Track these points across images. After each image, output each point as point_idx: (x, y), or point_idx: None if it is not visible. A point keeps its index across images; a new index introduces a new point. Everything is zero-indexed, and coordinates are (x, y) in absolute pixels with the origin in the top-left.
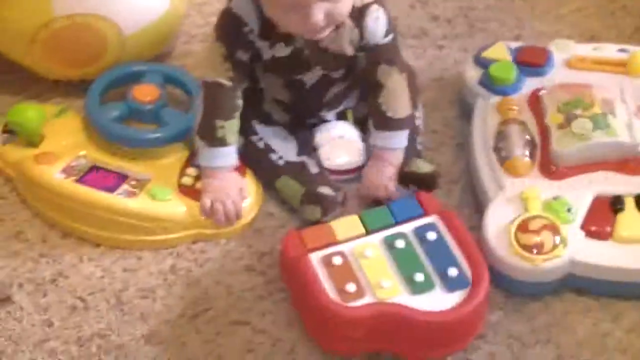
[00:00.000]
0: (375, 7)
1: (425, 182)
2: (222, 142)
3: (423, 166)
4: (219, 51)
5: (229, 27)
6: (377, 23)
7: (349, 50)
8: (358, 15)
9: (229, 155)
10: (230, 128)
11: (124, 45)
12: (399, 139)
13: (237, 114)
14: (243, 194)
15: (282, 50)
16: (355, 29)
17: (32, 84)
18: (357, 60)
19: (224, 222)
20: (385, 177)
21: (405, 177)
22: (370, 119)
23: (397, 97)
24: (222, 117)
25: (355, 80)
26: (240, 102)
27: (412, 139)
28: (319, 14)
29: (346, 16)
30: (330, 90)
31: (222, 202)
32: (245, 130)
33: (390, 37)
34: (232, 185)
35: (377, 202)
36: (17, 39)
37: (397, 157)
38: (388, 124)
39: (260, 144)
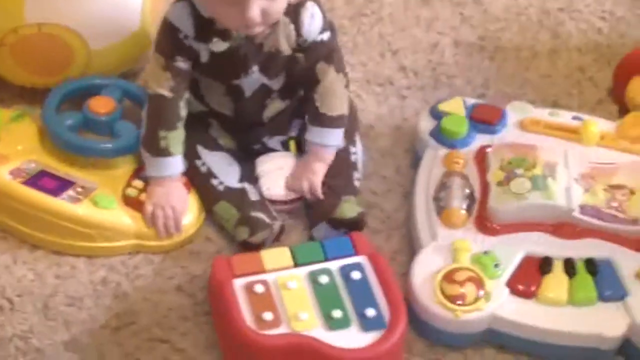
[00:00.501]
0: (310, 3)
1: (351, 226)
2: (165, 153)
3: (348, 211)
4: (159, 62)
5: (165, 37)
6: (312, 19)
7: (285, 48)
8: (293, 12)
9: (172, 165)
10: (173, 138)
11: (90, 60)
12: (331, 137)
13: (180, 124)
14: (185, 204)
15: (220, 45)
16: (290, 24)
17: None
18: (295, 66)
19: (162, 228)
20: (309, 171)
21: (333, 222)
22: (306, 114)
23: (331, 95)
24: (164, 128)
25: (296, 106)
26: (183, 112)
27: (348, 176)
28: (255, 10)
29: (281, 14)
30: (270, 105)
31: (163, 209)
32: (190, 155)
33: (326, 34)
34: (174, 194)
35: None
36: None
37: (328, 154)
38: (321, 120)
39: (203, 169)
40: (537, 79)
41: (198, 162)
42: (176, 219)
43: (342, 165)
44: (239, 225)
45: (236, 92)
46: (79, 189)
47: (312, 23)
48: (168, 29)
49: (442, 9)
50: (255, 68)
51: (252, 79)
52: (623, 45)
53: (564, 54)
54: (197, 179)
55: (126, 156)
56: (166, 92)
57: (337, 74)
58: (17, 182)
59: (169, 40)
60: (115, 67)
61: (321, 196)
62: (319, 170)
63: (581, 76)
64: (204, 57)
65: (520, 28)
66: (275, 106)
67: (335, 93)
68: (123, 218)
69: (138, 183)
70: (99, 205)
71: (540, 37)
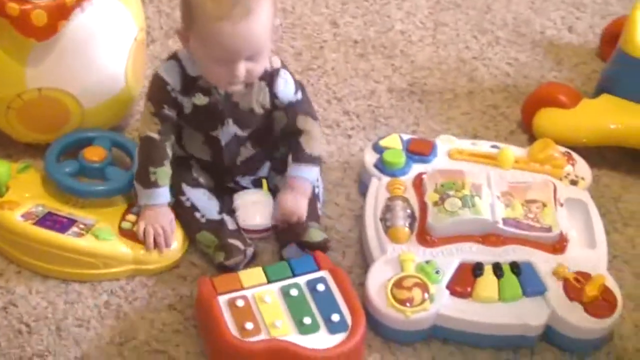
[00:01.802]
0: (282, 71)
1: (318, 248)
2: (154, 185)
3: (316, 235)
4: (149, 109)
5: (156, 88)
6: (286, 85)
7: (257, 108)
8: (269, 78)
9: (160, 195)
10: (161, 173)
11: (83, 117)
12: (312, 173)
13: (167, 162)
14: (172, 225)
15: (201, 99)
16: (266, 88)
17: (5, 146)
18: (265, 121)
19: (152, 242)
20: (300, 205)
21: (302, 245)
22: (291, 155)
23: (313, 138)
24: (153, 165)
25: (265, 151)
26: (169, 151)
27: (313, 205)
28: (242, 70)
29: (258, 77)
30: (242, 152)
31: (153, 227)
32: (176, 191)
33: (300, 93)
34: (163, 216)
35: (281, 259)
36: None
37: (309, 188)
38: (306, 158)
39: (187, 203)
40: (458, 116)
41: (183, 198)
42: (165, 236)
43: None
44: (217, 251)
45: (213, 142)
46: (81, 226)
47: (286, 87)
48: (158, 82)
49: (376, 61)
50: (230, 121)
51: (228, 131)
52: (527, 85)
53: (479, 94)
54: (182, 212)
55: (118, 196)
56: (155, 135)
57: (314, 121)
58: (29, 224)
59: (159, 91)
60: (105, 122)
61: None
62: (305, 204)
63: (495, 112)
64: (187, 109)
65: (442, 74)
66: (247, 152)
67: (317, 137)
68: (121, 247)
69: (131, 217)
70: (100, 237)
71: (459, 81)
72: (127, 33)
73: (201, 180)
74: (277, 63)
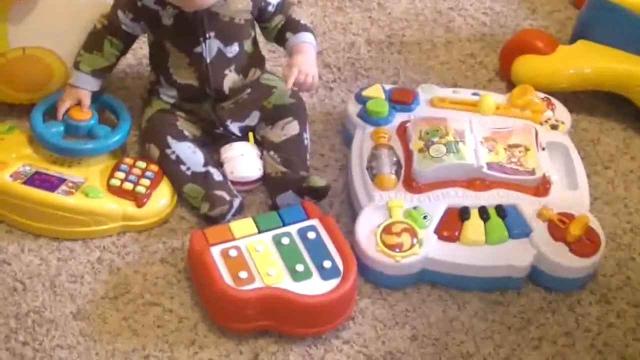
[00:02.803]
0: None
1: (319, 194)
2: (76, 66)
3: (318, 181)
4: (112, 9)
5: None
6: None
7: (237, 17)
8: None
9: (80, 78)
10: (87, 58)
11: (67, 76)
12: (312, 39)
13: (98, 54)
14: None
15: (172, 11)
16: None
17: None
18: (246, 35)
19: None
20: (311, 65)
21: (303, 191)
22: (287, 32)
23: (302, 15)
24: (83, 48)
25: (254, 98)
26: (109, 50)
27: (304, 156)
28: None
29: None
30: (229, 76)
31: (69, 100)
32: (161, 145)
33: None
34: (82, 96)
35: (271, 208)
36: None
37: (314, 52)
38: (304, 27)
39: (173, 157)
40: (437, 65)
41: (168, 151)
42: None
43: (299, 147)
44: (202, 201)
45: (198, 60)
46: (70, 184)
47: None
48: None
49: (353, 15)
50: (212, 35)
51: (211, 46)
52: (504, 34)
53: (457, 44)
54: (168, 165)
55: (105, 154)
56: (98, 25)
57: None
58: (18, 183)
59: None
60: None
61: (317, 83)
62: (314, 65)
63: (473, 61)
64: (167, 20)
65: (419, 26)
66: (232, 78)
67: (302, 15)
68: (110, 204)
69: (120, 174)
70: (89, 195)
71: (436, 32)
72: None
73: (186, 132)
74: None
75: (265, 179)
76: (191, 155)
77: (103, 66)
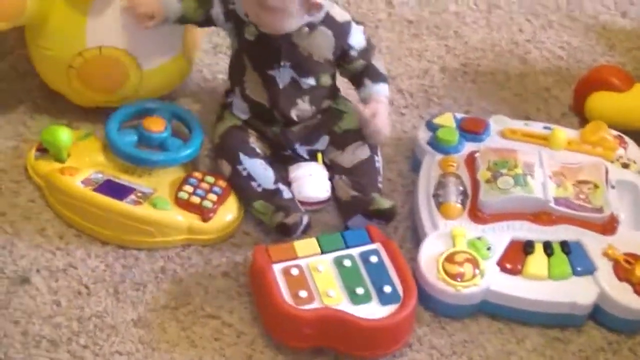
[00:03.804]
0: (353, 24)
1: (386, 216)
2: None
3: (384, 203)
4: None
5: None
6: (358, 34)
7: (316, 55)
8: (339, 30)
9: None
10: None
11: (141, 78)
12: (387, 90)
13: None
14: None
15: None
16: (332, 38)
17: (67, 112)
18: (323, 74)
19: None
20: (385, 120)
21: (370, 213)
22: (366, 79)
23: (381, 61)
24: None
25: (323, 122)
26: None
27: (375, 179)
28: (251, 9)
29: (285, 25)
30: (299, 104)
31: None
32: (233, 161)
33: (366, 35)
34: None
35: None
36: (57, 65)
37: (387, 105)
38: (382, 77)
39: (244, 173)
40: (510, 97)
41: (239, 167)
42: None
43: (370, 170)
44: (275, 213)
45: (271, 83)
46: (139, 194)
47: (359, 36)
48: None
49: (430, 42)
50: (287, 64)
51: (285, 73)
52: (579, 68)
53: (531, 76)
54: (239, 181)
55: (176, 166)
56: None
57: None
58: (89, 189)
59: None
60: (161, 87)
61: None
62: (386, 117)
63: (547, 94)
64: (249, 35)
65: (495, 56)
66: (303, 107)
67: (381, 60)
68: (177, 217)
69: (188, 187)
70: (157, 206)
71: (512, 63)
72: None
73: (258, 150)
74: (346, 16)
75: (337, 203)
76: (262, 172)
77: (189, 13)
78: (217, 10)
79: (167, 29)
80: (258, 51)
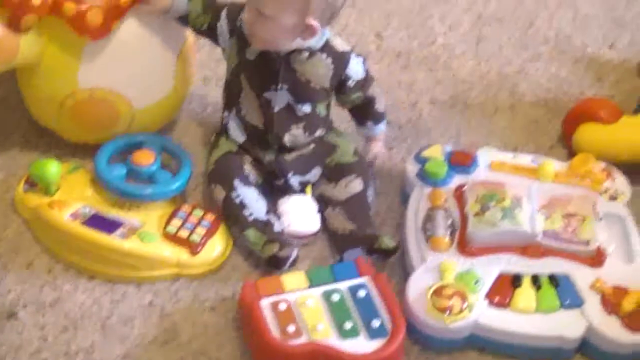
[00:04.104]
0: (353, 55)
1: (388, 254)
2: None
3: (390, 242)
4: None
5: (234, 7)
6: (358, 65)
7: (314, 82)
8: (338, 59)
9: None
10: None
11: (133, 118)
12: (384, 125)
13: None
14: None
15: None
16: (331, 66)
17: (56, 145)
18: (318, 101)
19: None
20: (383, 149)
21: (373, 250)
22: (369, 121)
23: (381, 96)
24: None
25: (317, 153)
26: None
27: (367, 213)
28: (251, 16)
29: (277, 39)
30: (293, 130)
31: None
32: (228, 187)
33: (365, 65)
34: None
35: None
36: (48, 104)
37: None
38: (382, 116)
39: (237, 200)
40: (499, 129)
41: (233, 194)
42: None
43: (363, 203)
44: (268, 244)
45: (267, 106)
46: (127, 228)
47: (358, 67)
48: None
49: (419, 74)
50: (285, 87)
51: (282, 97)
52: (568, 100)
53: (520, 108)
54: (231, 208)
55: (164, 200)
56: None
57: (376, 83)
58: (77, 223)
59: (235, 6)
60: (153, 123)
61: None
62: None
63: (535, 126)
64: (251, 55)
65: (483, 88)
66: (297, 133)
67: (381, 95)
68: (164, 251)
69: (176, 221)
70: (145, 240)
71: (500, 95)
72: (177, 35)
73: (251, 178)
74: (347, 47)
75: (331, 235)
76: (255, 202)
77: (193, 15)
78: (223, 25)
79: (161, 68)
80: (256, 72)
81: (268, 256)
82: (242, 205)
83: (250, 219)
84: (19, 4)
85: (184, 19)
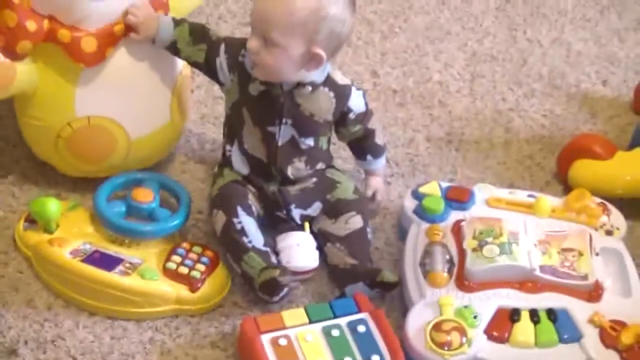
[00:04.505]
0: (354, 88)
1: (389, 288)
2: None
3: (391, 277)
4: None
5: (233, 41)
6: (359, 99)
7: (317, 115)
8: (340, 92)
9: (165, 21)
10: (183, 28)
11: (129, 148)
12: (384, 160)
13: (191, 38)
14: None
15: (258, 86)
16: (333, 99)
17: (55, 183)
18: (322, 134)
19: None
20: (383, 189)
21: (375, 284)
22: (369, 155)
23: (380, 131)
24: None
25: (319, 188)
26: (191, 47)
27: (367, 249)
28: (252, 43)
29: (282, 69)
30: (295, 163)
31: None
32: (230, 213)
33: (366, 99)
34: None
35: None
36: (46, 135)
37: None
38: (382, 150)
39: (238, 226)
40: (495, 165)
41: (235, 220)
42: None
43: (363, 240)
44: (268, 269)
45: (270, 139)
46: (127, 265)
47: (359, 101)
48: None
49: (414, 111)
50: (289, 122)
51: (286, 131)
52: (562, 136)
53: (515, 145)
54: (232, 234)
55: (164, 236)
56: (213, 36)
57: (375, 117)
58: (77, 260)
59: (235, 42)
60: (151, 156)
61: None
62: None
63: (530, 162)
64: (252, 90)
65: (479, 125)
66: (299, 167)
67: (380, 129)
68: (165, 287)
69: (176, 258)
70: (145, 277)
71: (495, 131)
72: (172, 66)
73: (254, 209)
74: (347, 80)
75: (332, 270)
76: (255, 233)
77: (182, 43)
78: (222, 60)
79: (156, 98)
80: (260, 107)
81: (265, 280)
82: (243, 232)
83: (249, 245)
84: (15, 31)
85: (173, 48)
